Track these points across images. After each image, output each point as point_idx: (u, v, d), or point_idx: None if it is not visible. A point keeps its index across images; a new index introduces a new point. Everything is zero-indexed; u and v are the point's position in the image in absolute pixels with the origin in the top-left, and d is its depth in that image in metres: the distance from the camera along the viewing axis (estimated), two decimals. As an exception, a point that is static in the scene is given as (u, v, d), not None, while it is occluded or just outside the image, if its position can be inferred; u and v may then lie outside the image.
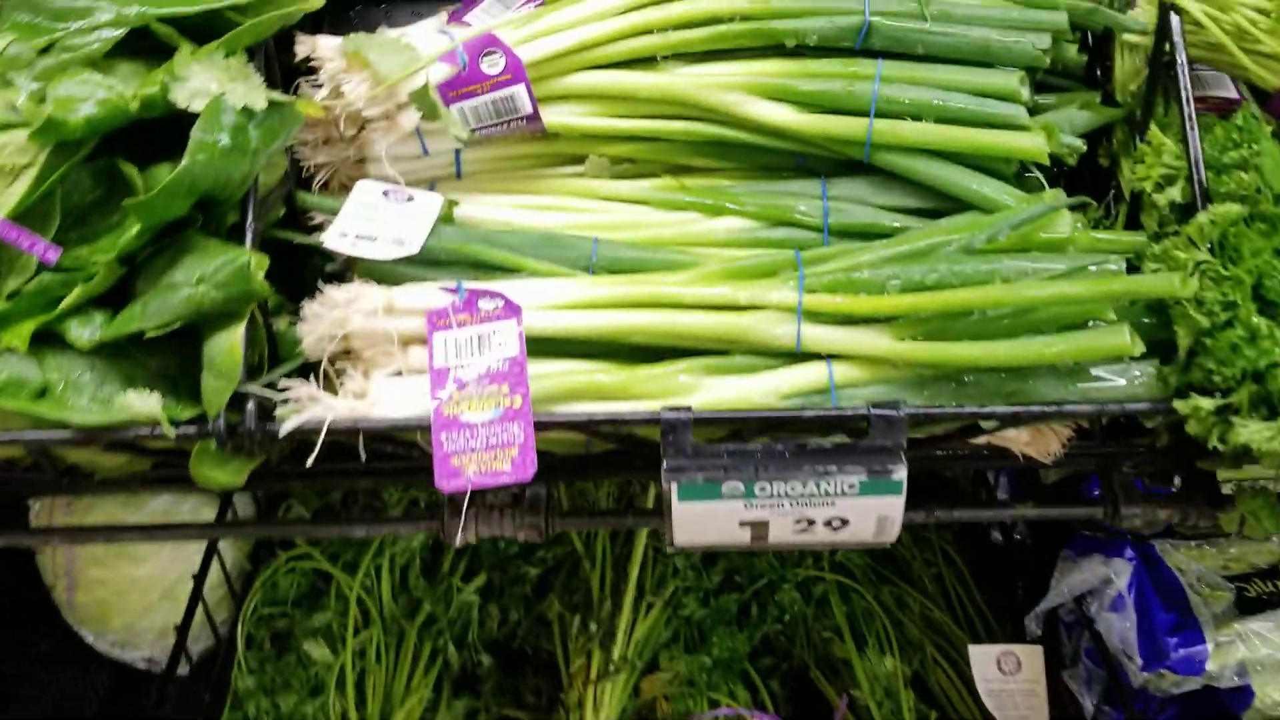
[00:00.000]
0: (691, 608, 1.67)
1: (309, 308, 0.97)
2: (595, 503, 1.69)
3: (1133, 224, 1.09)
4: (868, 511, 0.97)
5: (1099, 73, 1.15)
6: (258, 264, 0.91)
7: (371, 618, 1.70)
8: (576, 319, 1.00)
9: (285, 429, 0.94)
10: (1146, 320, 0.98)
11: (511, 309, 0.99)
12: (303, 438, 0.95)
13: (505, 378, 0.95)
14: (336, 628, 1.70)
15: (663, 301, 1.00)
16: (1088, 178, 1.14)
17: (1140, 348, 0.91)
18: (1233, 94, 1.07)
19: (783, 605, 1.71)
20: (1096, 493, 1.47)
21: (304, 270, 1.08)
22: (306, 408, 0.95)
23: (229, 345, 0.92)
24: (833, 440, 0.94)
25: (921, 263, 0.98)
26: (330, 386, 0.98)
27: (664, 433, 0.94)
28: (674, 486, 0.95)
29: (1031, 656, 1.54)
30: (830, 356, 0.99)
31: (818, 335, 0.99)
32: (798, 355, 0.99)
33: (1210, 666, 1.36)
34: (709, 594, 1.69)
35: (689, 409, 0.94)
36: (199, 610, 1.64)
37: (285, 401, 0.95)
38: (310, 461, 0.94)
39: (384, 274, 1.02)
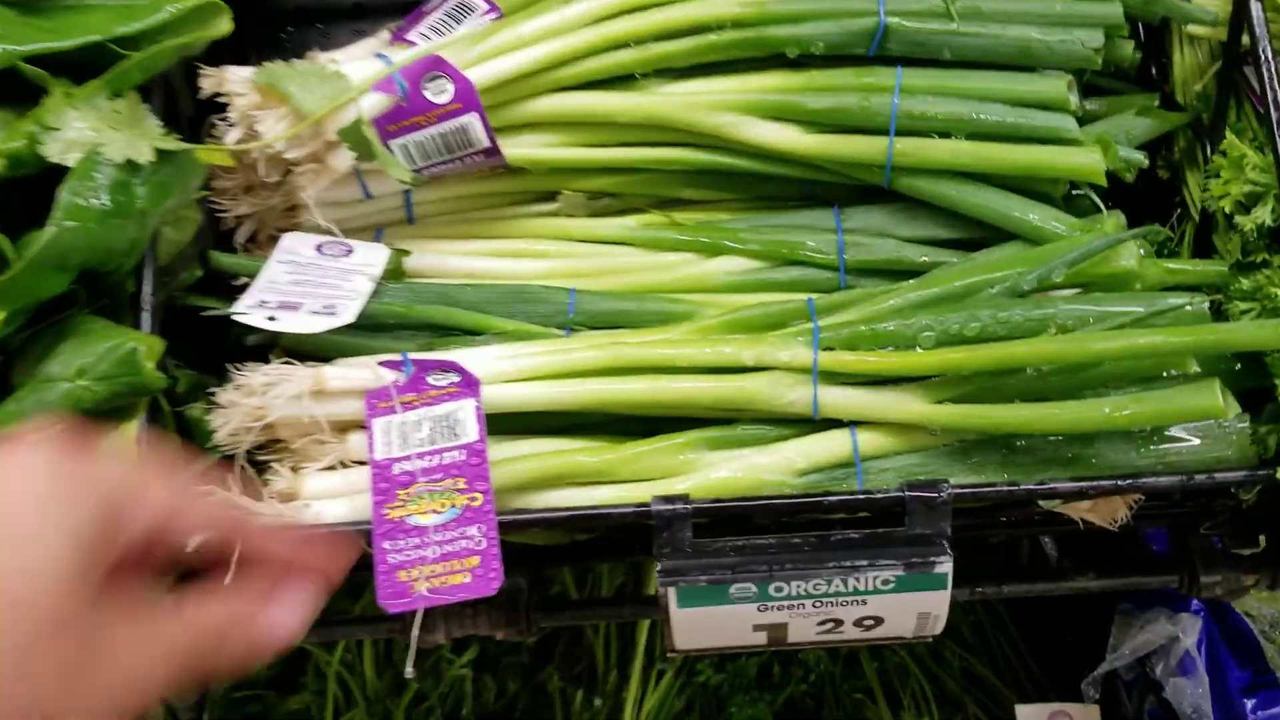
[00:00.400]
0: (707, 673, 1.51)
1: (221, 395, 0.81)
2: (590, 586, 1.52)
3: (1202, 247, 0.92)
4: (906, 609, 0.81)
5: (1154, 71, 0.99)
6: (149, 351, 0.75)
7: (354, 697, 1.55)
8: (549, 391, 0.84)
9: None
10: (1232, 365, 0.81)
11: (469, 384, 0.82)
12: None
13: (462, 470, 0.79)
14: (315, 710, 1.55)
15: (652, 365, 0.83)
16: (1143, 191, 0.97)
17: (1234, 408, 0.75)
18: (1317, 89, 0.90)
19: (808, 665, 1.55)
20: (1158, 546, 1.32)
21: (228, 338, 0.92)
22: (228, 514, 0.79)
23: (123, 448, 0.76)
24: (862, 531, 0.78)
25: (958, 309, 0.81)
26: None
27: (657, 528, 0.78)
28: (672, 592, 0.78)
29: (1087, 716, 1.38)
30: (854, 423, 0.82)
31: (838, 399, 0.83)
32: (815, 422, 0.82)
33: (1292, 729, 1.20)
34: (725, 658, 1.53)
35: (686, 498, 0.78)
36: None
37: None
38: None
39: (318, 345, 0.86)
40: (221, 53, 0.90)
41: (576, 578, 1.50)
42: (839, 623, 0.82)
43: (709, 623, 0.81)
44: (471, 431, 0.80)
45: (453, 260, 0.96)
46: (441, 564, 0.75)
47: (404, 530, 0.77)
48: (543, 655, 1.60)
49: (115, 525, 0.51)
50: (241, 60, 1.05)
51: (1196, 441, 0.80)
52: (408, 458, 0.79)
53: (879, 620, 0.82)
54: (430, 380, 0.82)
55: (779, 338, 0.84)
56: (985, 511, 0.87)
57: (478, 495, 0.77)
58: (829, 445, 0.83)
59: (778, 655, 1.56)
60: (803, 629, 0.82)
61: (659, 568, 0.78)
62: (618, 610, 1.02)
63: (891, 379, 0.82)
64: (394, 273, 0.92)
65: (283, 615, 0.60)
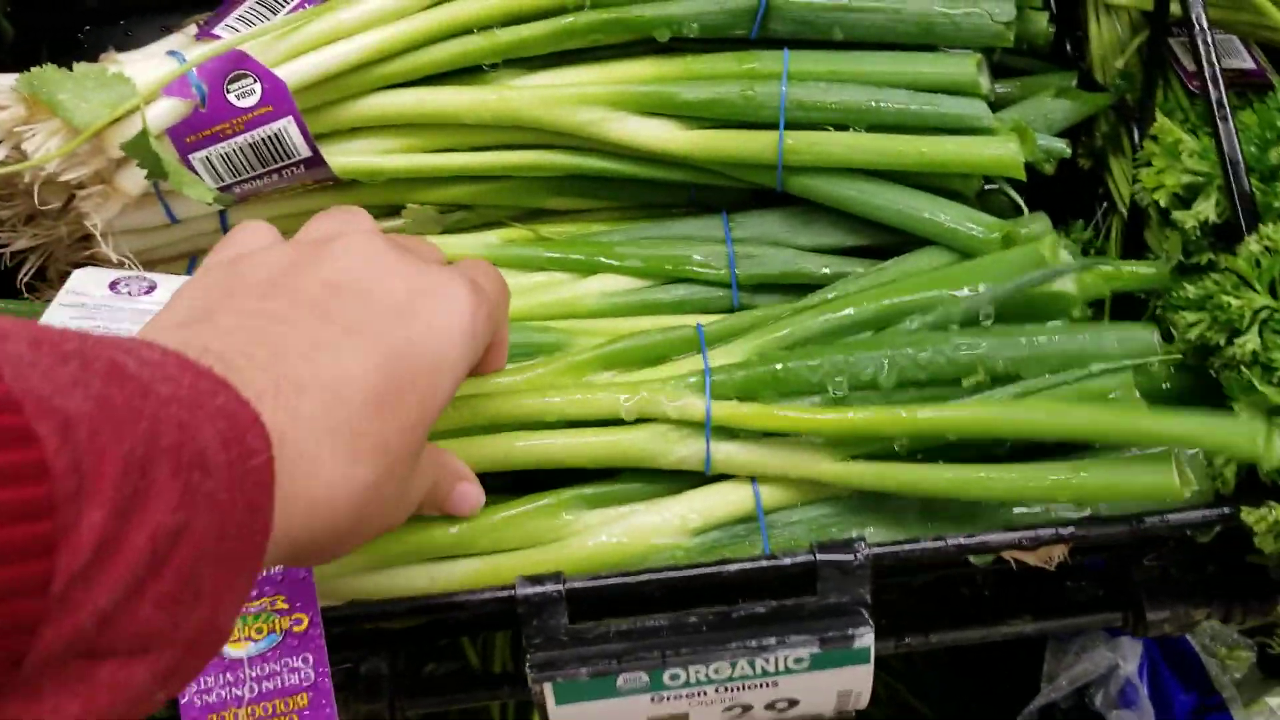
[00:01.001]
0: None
1: None
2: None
3: (1132, 244, 0.82)
4: (823, 688, 0.69)
5: (1069, 45, 0.88)
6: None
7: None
8: None
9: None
10: (1182, 389, 0.71)
11: None
12: None
13: (284, 585, 0.64)
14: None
15: (513, 421, 0.70)
16: (1063, 180, 0.87)
17: (1191, 484, 0.65)
18: (1250, 63, 0.81)
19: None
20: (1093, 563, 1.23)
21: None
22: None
23: None
24: (769, 604, 0.66)
25: (873, 350, 0.69)
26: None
27: (524, 617, 0.65)
28: (548, 688, 0.65)
29: (1021, 748, 1.28)
30: (755, 481, 0.70)
31: (734, 455, 0.70)
32: (709, 482, 0.70)
33: (1242, 757, 1.12)
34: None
35: (559, 577, 0.65)
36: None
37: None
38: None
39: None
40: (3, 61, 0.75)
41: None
42: (747, 708, 0.70)
43: (596, 718, 0.69)
44: None
45: (280, 291, 0.81)
46: (260, 704, 0.62)
47: (213, 664, 0.62)
48: None
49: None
50: (32, 63, 0.90)
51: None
52: None
53: (793, 702, 0.70)
54: None
55: (665, 383, 0.71)
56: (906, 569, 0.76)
57: (302, 618, 0.64)
58: (727, 498, 0.71)
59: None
60: (706, 718, 0.70)
61: (529, 661, 0.65)
62: (495, 692, 0.88)
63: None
64: (207, 310, 0.78)
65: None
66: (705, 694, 0.67)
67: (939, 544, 0.66)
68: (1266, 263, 0.63)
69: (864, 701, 0.71)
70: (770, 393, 0.68)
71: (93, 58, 0.91)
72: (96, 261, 0.81)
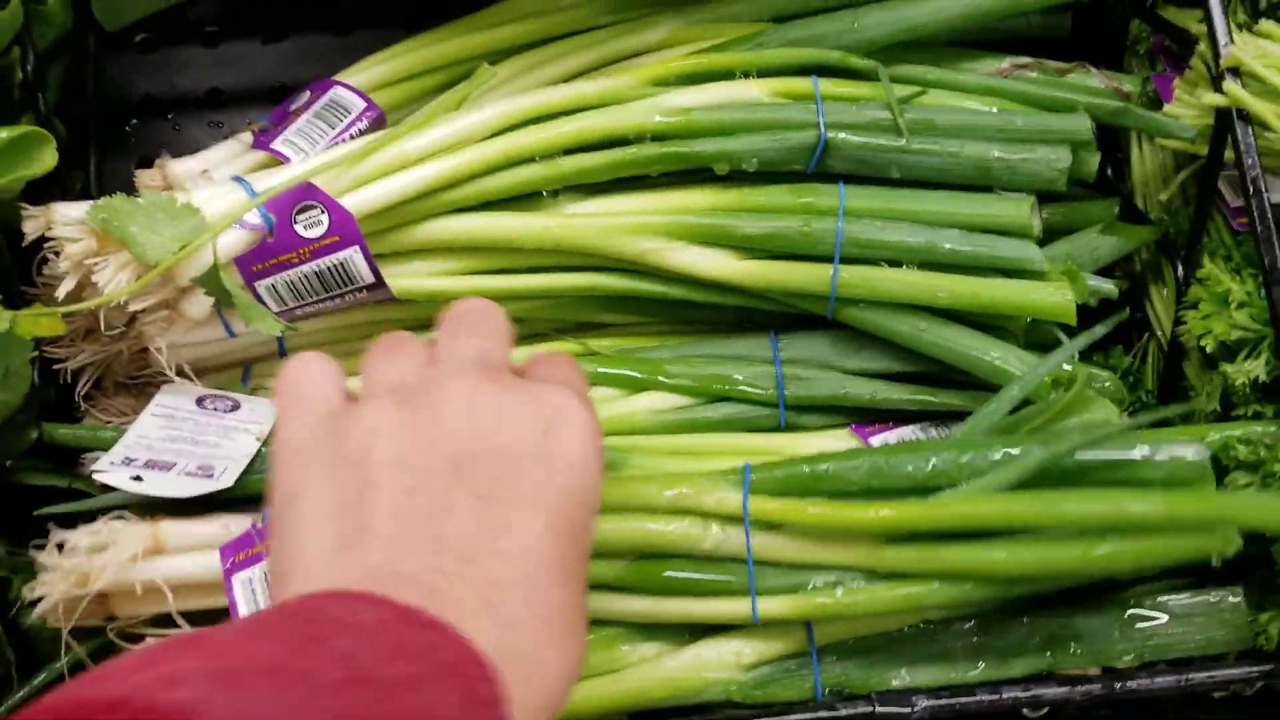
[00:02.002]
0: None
1: (39, 558, 0.68)
2: None
3: (1170, 372, 0.84)
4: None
5: (1109, 170, 0.90)
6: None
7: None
8: None
9: None
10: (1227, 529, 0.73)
11: None
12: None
13: None
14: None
15: None
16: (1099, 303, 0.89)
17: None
18: (1286, 200, 0.83)
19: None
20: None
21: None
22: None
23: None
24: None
25: (915, 453, 0.71)
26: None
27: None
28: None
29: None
30: (808, 622, 0.72)
31: (770, 543, 0.71)
32: (762, 624, 0.72)
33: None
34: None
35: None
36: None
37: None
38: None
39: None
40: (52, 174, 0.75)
41: None
42: None
43: None
44: None
45: (335, 404, 0.82)
46: None
47: None
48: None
49: None
50: (80, 162, 0.90)
51: (1192, 621, 0.72)
52: None
53: None
54: None
55: (706, 482, 0.73)
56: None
57: None
58: (783, 635, 0.73)
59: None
60: None
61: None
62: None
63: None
64: (267, 428, 0.79)
65: None
66: None
67: (994, 696, 0.68)
68: (1322, 430, 0.66)
69: None
70: (805, 490, 0.70)
71: (142, 152, 0.93)
72: (153, 375, 0.82)
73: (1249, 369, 0.71)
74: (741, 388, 0.83)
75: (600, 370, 0.84)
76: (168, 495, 0.69)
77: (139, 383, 0.82)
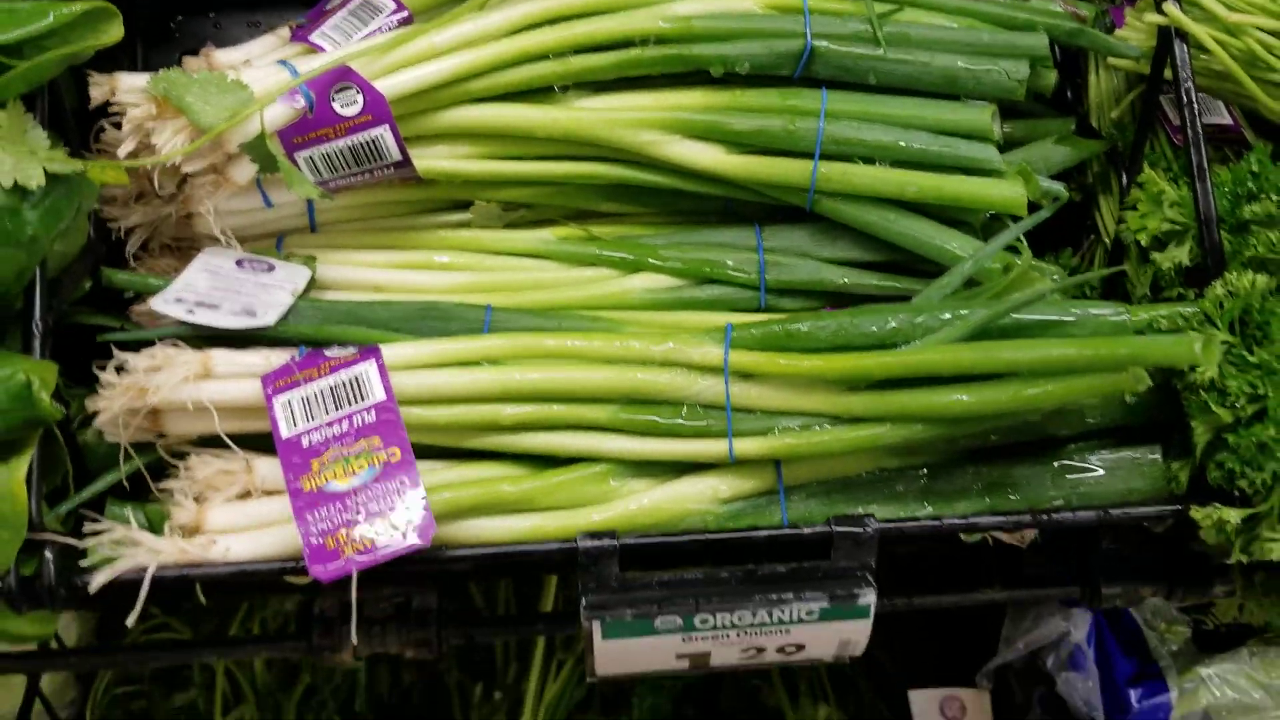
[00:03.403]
0: (607, 664, 1.50)
1: (103, 376, 0.78)
2: (495, 597, 1.50)
3: (1109, 266, 0.94)
4: (828, 637, 0.82)
5: (1069, 92, 0.99)
6: (42, 382, 0.70)
7: (243, 692, 1.50)
8: (455, 378, 0.81)
9: (96, 584, 0.74)
10: (1145, 400, 0.83)
11: (369, 351, 0.80)
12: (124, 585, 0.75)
13: (375, 429, 0.77)
14: (203, 706, 1.50)
15: (562, 355, 0.82)
16: (1055, 214, 0.98)
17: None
18: (1228, 120, 0.92)
19: (706, 653, 1.55)
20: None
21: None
22: (124, 553, 0.75)
23: (10, 487, 0.71)
24: (789, 565, 0.78)
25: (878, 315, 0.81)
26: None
27: (582, 565, 0.76)
28: (596, 625, 0.77)
29: (977, 702, 1.42)
30: (778, 461, 0.82)
31: (748, 391, 0.82)
32: (737, 462, 0.82)
33: (1174, 716, 1.25)
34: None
35: (614, 534, 0.76)
36: (36, 701, 1.41)
37: (98, 536, 0.76)
38: (131, 619, 0.74)
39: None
40: (108, 51, 0.84)
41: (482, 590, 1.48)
42: (761, 649, 0.82)
43: (632, 652, 0.81)
44: (378, 391, 0.78)
45: (359, 272, 0.91)
46: (370, 524, 0.74)
47: (324, 498, 0.75)
48: (440, 647, 1.57)
49: None
50: (128, 53, 0.98)
51: (1116, 474, 0.82)
52: (316, 428, 0.77)
53: (800, 647, 0.82)
54: (328, 354, 0.80)
55: (690, 336, 0.83)
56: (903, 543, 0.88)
57: (395, 451, 0.76)
58: (755, 474, 0.83)
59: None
60: (725, 655, 0.82)
61: (584, 603, 0.77)
62: (529, 628, 1.00)
63: (805, 378, 0.81)
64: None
65: None
66: (728, 637, 0.79)
67: (935, 524, 0.78)
68: (1228, 305, 0.75)
69: (860, 650, 0.84)
70: (781, 346, 0.80)
71: (185, 47, 1.01)
72: (195, 241, 0.91)
73: (1175, 255, 0.81)
74: (727, 271, 0.92)
75: (599, 253, 0.93)
76: (217, 326, 0.78)
77: (183, 247, 0.91)
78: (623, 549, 0.76)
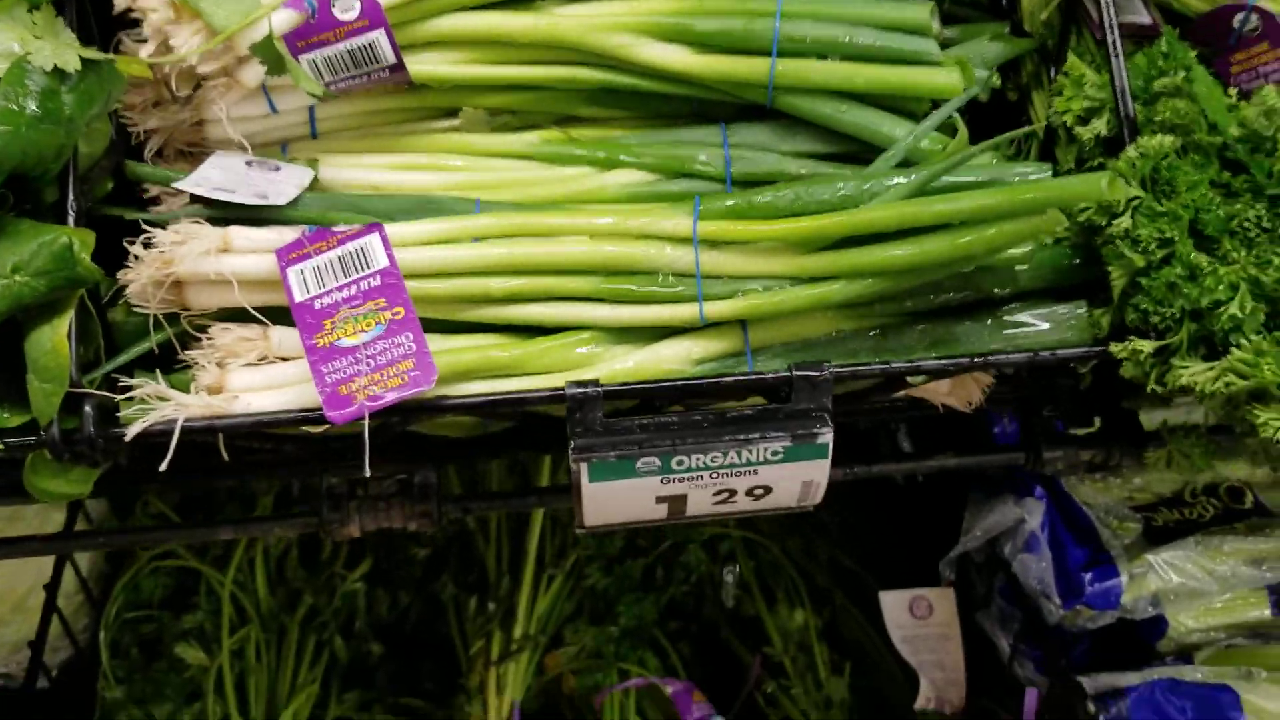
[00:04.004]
0: (595, 577, 1.60)
1: (133, 250, 0.86)
2: (487, 482, 1.59)
3: (1044, 157, 1.03)
4: (792, 477, 0.90)
5: (1003, 1, 1.08)
6: (82, 244, 0.78)
7: (248, 615, 1.58)
8: (450, 254, 0.90)
9: (131, 433, 0.82)
10: (1072, 261, 0.92)
11: (373, 226, 0.89)
12: (154, 439, 0.83)
13: (380, 292, 0.86)
14: (210, 628, 1.58)
15: (548, 231, 0.91)
16: (995, 113, 1.07)
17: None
18: (1146, 19, 1.01)
19: (689, 566, 1.65)
20: (999, 429, 1.45)
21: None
22: (155, 407, 0.83)
23: (54, 342, 0.79)
24: (755, 407, 0.87)
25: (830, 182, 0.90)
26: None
27: (570, 410, 0.85)
28: (584, 467, 0.86)
29: (943, 600, 1.51)
30: (744, 322, 0.91)
31: (716, 258, 0.91)
32: (708, 325, 0.90)
33: (1125, 599, 1.34)
34: (612, 561, 1.62)
35: (597, 383, 0.85)
36: (54, 621, 1.48)
37: (130, 400, 0.84)
38: (163, 466, 0.82)
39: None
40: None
41: (466, 481, 1.56)
42: (732, 493, 0.90)
43: (616, 497, 0.89)
44: (382, 259, 0.87)
45: (359, 174, 1.00)
46: (379, 373, 0.82)
47: (336, 352, 0.83)
48: (434, 568, 1.66)
49: None
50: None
51: (1044, 326, 0.91)
52: (327, 292, 0.86)
53: (768, 489, 0.90)
54: (336, 230, 0.89)
55: (663, 208, 0.92)
56: (858, 396, 0.97)
57: (399, 309, 0.85)
58: (723, 337, 0.92)
59: (661, 559, 1.66)
60: (700, 500, 0.91)
61: (572, 446, 0.85)
62: (522, 500, 1.08)
63: (766, 241, 0.90)
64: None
65: None
66: (702, 478, 0.88)
67: (885, 366, 0.87)
68: (1140, 164, 0.85)
69: (820, 495, 0.92)
70: (745, 217, 0.88)
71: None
72: (206, 146, 0.99)
73: (1095, 127, 0.90)
74: (696, 166, 1.01)
75: (578, 153, 1.02)
76: (234, 202, 0.87)
77: (195, 153, 0.99)
78: (606, 393, 0.85)
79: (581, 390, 0.84)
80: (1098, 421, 1.09)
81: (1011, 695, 1.40)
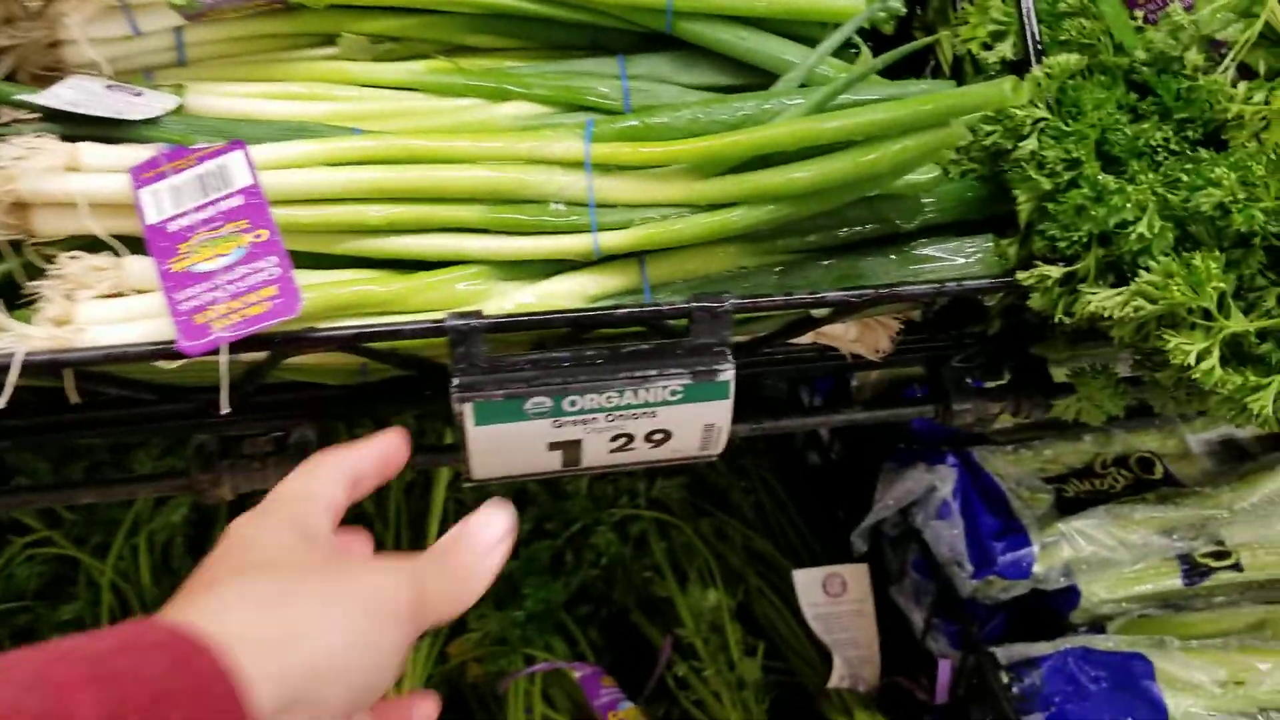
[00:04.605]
0: (500, 560, 1.52)
1: None
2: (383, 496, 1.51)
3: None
4: (693, 420, 0.85)
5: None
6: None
7: (130, 605, 1.48)
8: (321, 176, 0.84)
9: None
10: (980, 193, 0.89)
11: (235, 144, 0.82)
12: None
13: (242, 213, 0.79)
14: (90, 620, 1.48)
15: (431, 157, 0.85)
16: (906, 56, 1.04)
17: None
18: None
19: (599, 549, 1.59)
20: (910, 392, 1.43)
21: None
22: (-11, 338, 0.76)
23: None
24: (652, 342, 0.81)
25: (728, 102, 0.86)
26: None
27: (452, 343, 0.79)
28: (468, 408, 0.80)
29: (857, 576, 1.48)
30: (642, 254, 0.86)
31: (610, 185, 0.85)
32: (604, 258, 0.85)
33: (1037, 569, 1.33)
34: (519, 544, 1.55)
35: (479, 314, 0.79)
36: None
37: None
38: (3, 401, 0.75)
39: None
40: None
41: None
42: (630, 439, 0.85)
43: (505, 444, 0.83)
44: (244, 177, 0.81)
45: (229, 102, 0.93)
46: (238, 300, 0.76)
47: (192, 278, 0.77)
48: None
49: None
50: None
51: (952, 260, 0.88)
52: (183, 213, 0.79)
53: (667, 435, 0.85)
54: (196, 148, 0.82)
55: (553, 132, 0.86)
56: (764, 341, 0.92)
57: (262, 232, 0.78)
58: (620, 272, 0.87)
59: (570, 542, 1.60)
60: (596, 447, 0.85)
61: (455, 384, 0.79)
62: (421, 457, 1.02)
63: (661, 165, 0.85)
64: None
65: None
66: (597, 421, 0.82)
67: (786, 297, 0.82)
68: (1045, 84, 0.82)
69: (722, 440, 0.88)
70: (640, 139, 0.83)
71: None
72: (65, 67, 0.91)
73: (1000, 51, 0.87)
74: (592, 99, 0.95)
75: (467, 83, 0.96)
76: (86, 114, 0.79)
77: (52, 76, 0.91)
78: (490, 325, 0.79)
79: (464, 322, 0.78)
80: (1007, 375, 1.06)
81: (926, 670, 1.37)
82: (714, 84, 0.97)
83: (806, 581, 1.49)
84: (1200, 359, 0.74)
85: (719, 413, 0.84)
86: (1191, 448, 1.53)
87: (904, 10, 0.96)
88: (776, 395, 1.44)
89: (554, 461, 0.87)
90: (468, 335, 0.78)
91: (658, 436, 0.85)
